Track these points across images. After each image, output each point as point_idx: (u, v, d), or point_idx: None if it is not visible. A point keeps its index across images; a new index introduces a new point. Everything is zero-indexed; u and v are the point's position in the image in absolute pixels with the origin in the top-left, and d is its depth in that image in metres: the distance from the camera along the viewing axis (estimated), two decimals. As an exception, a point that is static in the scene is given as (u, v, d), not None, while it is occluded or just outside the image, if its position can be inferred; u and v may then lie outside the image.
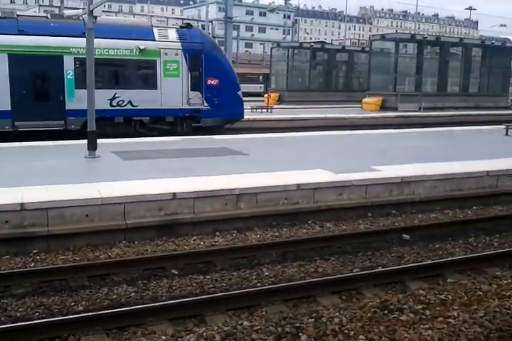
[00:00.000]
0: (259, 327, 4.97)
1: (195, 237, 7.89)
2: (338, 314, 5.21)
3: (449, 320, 5.08)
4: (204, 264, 6.88)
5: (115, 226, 7.73)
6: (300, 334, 4.82)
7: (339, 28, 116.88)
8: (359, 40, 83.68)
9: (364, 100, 30.02)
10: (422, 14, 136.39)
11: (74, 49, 15.95)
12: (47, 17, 16.98)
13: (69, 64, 16.04)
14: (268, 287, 5.95)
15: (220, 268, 6.76)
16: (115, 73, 17.29)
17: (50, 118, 15.94)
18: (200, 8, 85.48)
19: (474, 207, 10.04)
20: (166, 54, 17.29)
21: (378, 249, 7.60)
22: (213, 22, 64.39)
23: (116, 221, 7.79)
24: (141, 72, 17.52)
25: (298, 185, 9.09)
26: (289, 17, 77.86)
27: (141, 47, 16.83)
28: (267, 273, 6.58)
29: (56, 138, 14.64)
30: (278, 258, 7.16)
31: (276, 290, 5.82)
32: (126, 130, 16.95)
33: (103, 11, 14.11)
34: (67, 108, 16.10)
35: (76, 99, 15.89)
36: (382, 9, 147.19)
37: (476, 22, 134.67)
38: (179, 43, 17.53)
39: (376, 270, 6.57)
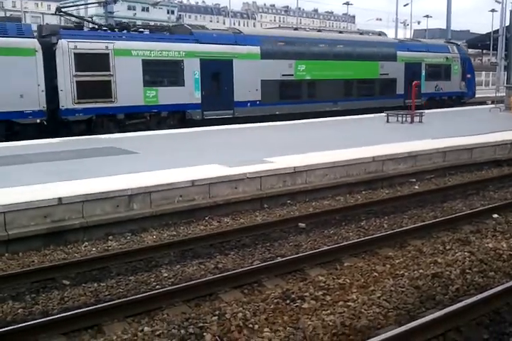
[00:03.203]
0: (161, 331, 4.77)
1: (86, 243, 7.44)
2: (241, 309, 5.14)
3: (349, 303, 5.19)
4: (98, 271, 6.49)
5: (-5, 238, 7.08)
6: (204, 333, 4.68)
7: (224, 23, 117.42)
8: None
9: None
10: (303, 9, 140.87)
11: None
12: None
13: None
14: (167, 288, 5.72)
15: (116, 274, 6.41)
16: (435, 71, 27.69)
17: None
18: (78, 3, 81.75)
19: (363, 192, 10.46)
20: (454, 60, 28.54)
21: (276, 239, 7.64)
22: (93, 18, 61.88)
23: (-3, 232, 7.14)
24: (445, 70, 28.18)
25: (192, 182, 8.91)
26: (172, 12, 76.96)
27: (448, 56, 28.32)
28: (166, 275, 6.35)
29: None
30: (176, 258, 6.94)
31: (177, 291, 5.61)
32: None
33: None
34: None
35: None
36: (265, 4, 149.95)
37: (354, 16, 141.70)
38: (458, 54, 28.93)
39: (276, 261, 6.57)
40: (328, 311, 5.03)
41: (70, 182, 8.60)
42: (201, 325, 4.83)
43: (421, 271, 5.94)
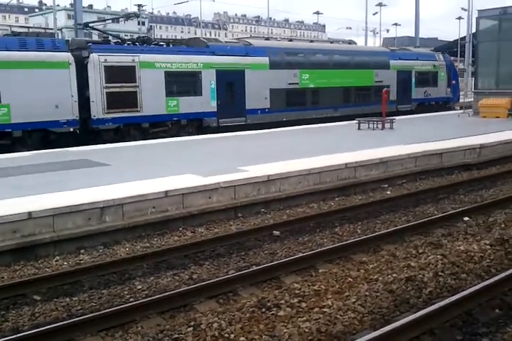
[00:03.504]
0: (135, 344, 4.70)
1: (57, 257, 7.30)
2: (216, 319, 5.10)
3: (325, 309, 5.20)
4: (70, 285, 6.37)
5: (-38, 255, 6.91)
6: (179, 345, 4.62)
7: (195, 33, 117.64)
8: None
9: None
10: (274, 19, 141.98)
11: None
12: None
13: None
14: (141, 301, 5.65)
15: (88, 288, 6.30)
16: (424, 79, 29.07)
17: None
18: (47, 16, 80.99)
19: (337, 198, 10.53)
20: (440, 67, 30.07)
21: (251, 248, 7.62)
22: (63, 30, 61.34)
23: (-37, 249, 6.97)
24: (432, 77, 29.69)
25: (166, 192, 8.85)
26: (143, 23, 76.73)
27: (435, 64, 29.74)
28: (139, 287, 6.27)
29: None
30: (150, 270, 6.86)
31: (151, 303, 5.54)
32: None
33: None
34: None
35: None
36: (236, 15, 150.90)
37: (324, 25, 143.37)
38: (443, 61, 30.52)
39: (251, 269, 6.55)
40: (304, 318, 5.03)
41: (40, 196, 8.45)
42: (176, 336, 4.78)
43: (395, 275, 5.98)
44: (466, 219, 8.60)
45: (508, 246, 6.85)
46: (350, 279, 6.06)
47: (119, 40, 20.43)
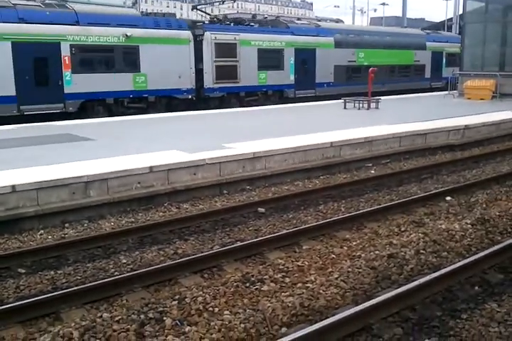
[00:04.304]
0: (120, 317, 4.72)
1: (41, 231, 7.28)
2: (201, 293, 5.14)
3: (308, 284, 5.27)
4: (54, 259, 6.38)
5: None
6: (164, 318, 4.67)
7: (181, 8, 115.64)
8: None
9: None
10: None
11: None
12: None
13: None
14: (126, 275, 5.68)
15: (73, 261, 6.31)
16: (452, 59, 30.87)
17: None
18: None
19: (321, 177, 10.59)
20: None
21: (236, 224, 7.67)
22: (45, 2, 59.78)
23: None
24: (459, 58, 26.45)
25: (150, 168, 8.82)
26: (128, -3, 75.08)
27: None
28: (124, 261, 6.29)
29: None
30: (135, 245, 6.88)
31: (136, 277, 5.58)
32: None
33: None
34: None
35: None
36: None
37: (311, 3, 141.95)
38: None
39: (235, 245, 6.60)
40: (287, 293, 5.10)
41: (24, 170, 8.38)
42: (161, 309, 4.82)
43: (377, 252, 6.07)
44: (448, 198, 8.72)
45: (489, 225, 6.97)
46: (333, 256, 6.14)
47: (215, 20, 23.77)
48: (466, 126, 14.21)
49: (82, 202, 7.96)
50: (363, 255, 6.04)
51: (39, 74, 16.88)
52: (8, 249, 6.67)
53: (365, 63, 27.11)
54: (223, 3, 26.37)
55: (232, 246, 6.57)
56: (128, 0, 74.10)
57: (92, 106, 18.23)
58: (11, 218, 7.31)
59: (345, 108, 18.99)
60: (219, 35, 21.20)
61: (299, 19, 32.05)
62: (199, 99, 21.03)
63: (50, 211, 7.61)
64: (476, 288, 5.29)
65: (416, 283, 5.03)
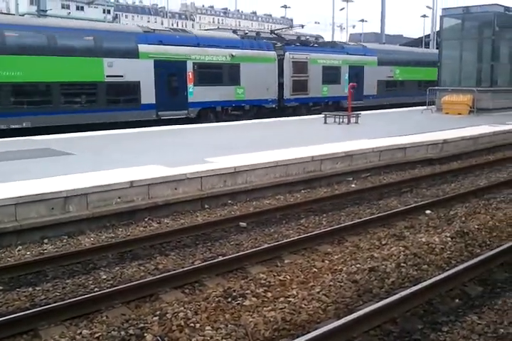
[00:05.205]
0: (100, 333, 4.67)
1: (19, 247, 7.16)
2: (182, 308, 5.09)
3: (290, 299, 5.26)
4: (33, 275, 6.27)
5: None
6: (145, 334, 4.61)
7: (162, 23, 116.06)
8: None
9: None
10: (242, 11, 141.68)
11: None
12: None
13: None
14: (106, 291, 5.61)
15: (52, 277, 6.22)
16: None
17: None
18: (8, 0, 78.55)
19: (303, 191, 10.63)
20: None
21: (217, 239, 7.64)
22: (25, 16, 59.63)
23: None
24: None
25: (131, 182, 8.77)
26: (108, 12, 75.34)
27: None
28: (104, 277, 6.22)
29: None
30: (115, 260, 6.80)
31: (116, 293, 5.51)
32: None
33: None
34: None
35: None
36: (203, 6, 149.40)
37: (291, 19, 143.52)
38: None
39: (217, 260, 6.57)
40: (270, 307, 5.08)
41: (2, 185, 8.27)
42: (142, 325, 4.76)
43: (358, 265, 6.09)
44: (428, 212, 8.81)
45: (468, 238, 7.05)
46: (315, 269, 6.15)
47: (285, 41, 27.49)
48: (444, 140, 14.42)
49: (61, 218, 7.86)
50: (344, 268, 6.06)
51: (171, 86, 20.90)
52: (-15, 265, 6.54)
53: (400, 78, 31.89)
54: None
55: (214, 260, 6.54)
56: (108, 15, 74.25)
57: (206, 113, 22.00)
58: (-12, 234, 7.18)
59: (325, 122, 19.14)
60: (295, 54, 25.57)
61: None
62: (279, 108, 24.81)
63: (29, 226, 7.50)
64: (457, 300, 5.34)
65: (397, 296, 5.05)
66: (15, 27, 17.22)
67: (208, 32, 26.12)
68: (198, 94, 21.35)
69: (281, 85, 24.76)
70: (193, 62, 21.25)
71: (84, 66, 18.10)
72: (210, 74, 22.01)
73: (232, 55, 22.49)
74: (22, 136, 15.42)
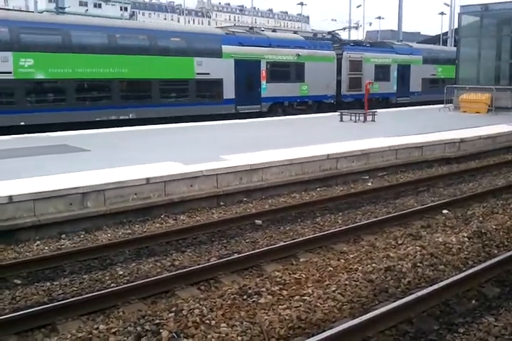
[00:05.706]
0: (116, 328, 4.69)
1: (38, 242, 7.25)
2: (198, 305, 5.11)
3: (305, 297, 5.25)
4: (51, 270, 6.35)
5: None
6: (161, 330, 4.64)
7: (178, 21, 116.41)
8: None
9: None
10: (258, 9, 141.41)
11: None
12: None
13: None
14: (123, 286, 5.66)
15: (70, 273, 6.29)
16: None
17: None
18: (27, -2, 79.26)
19: (318, 189, 10.61)
20: None
21: (233, 236, 7.66)
22: (44, 13, 60.18)
23: None
24: None
25: (147, 179, 8.82)
26: (125, 9, 75.74)
27: None
28: (121, 273, 6.27)
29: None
30: (132, 256, 6.86)
31: (132, 289, 5.56)
32: None
33: None
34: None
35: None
36: (220, 3, 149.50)
37: (308, 17, 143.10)
38: None
39: (232, 257, 6.59)
40: (285, 305, 5.08)
41: (21, 181, 8.37)
42: (158, 321, 4.78)
43: (374, 265, 6.06)
44: (445, 211, 8.74)
45: (486, 238, 6.98)
46: (330, 268, 6.13)
47: (340, 41, 29.88)
48: (462, 139, 14.29)
49: (79, 213, 7.94)
50: (360, 268, 6.03)
51: (247, 83, 22.81)
52: (4, 259, 6.64)
53: (442, 76, 33.49)
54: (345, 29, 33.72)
55: (229, 258, 6.56)
56: (125, 12, 74.63)
57: (275, 107, 24.03)
58: (8, 229, 7.28)
59: (341, 120, 19.06)
60: (352, 54, 27.65)
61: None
62: (337, 103, 26.28)
63: (47, 222, 7.59)
64: (473, 301, 5.29)
65: (413, 296, 5.03)
66: (122, 30, 19.73)
67: (276, 33, 27.62)
68: (269, 90, 23.59)
69: (338, 82, 26.66)
70: (266, 61, 23.48)
71: (179, 64, 20.35)
72: (280, 72, 24.13)
73: (298, 55, 24.61)
74: (125, 125, 17.33)
